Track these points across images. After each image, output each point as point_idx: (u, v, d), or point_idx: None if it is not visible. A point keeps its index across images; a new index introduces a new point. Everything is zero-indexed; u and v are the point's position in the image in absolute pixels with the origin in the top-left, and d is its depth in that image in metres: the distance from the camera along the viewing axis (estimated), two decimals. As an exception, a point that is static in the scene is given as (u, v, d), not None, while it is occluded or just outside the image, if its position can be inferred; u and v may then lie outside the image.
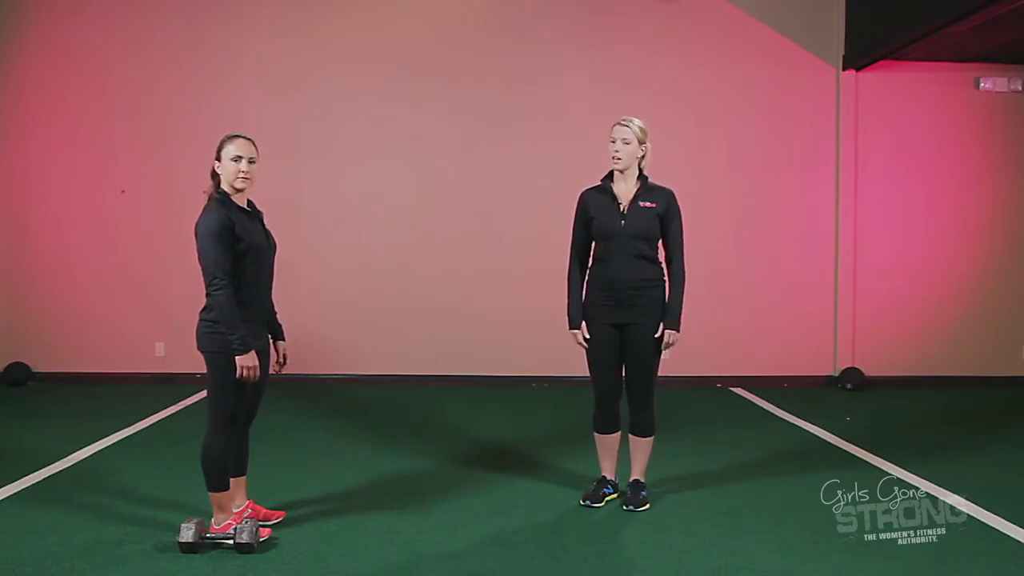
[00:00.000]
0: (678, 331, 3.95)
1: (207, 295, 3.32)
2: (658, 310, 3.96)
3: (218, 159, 3.45)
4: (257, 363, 3.35)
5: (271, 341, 3.64)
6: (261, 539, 3.44)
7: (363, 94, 7.22)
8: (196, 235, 3.36)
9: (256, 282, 3.46)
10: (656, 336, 3.92)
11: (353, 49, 7.17)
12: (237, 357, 3.31)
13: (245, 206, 3.48)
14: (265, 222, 3.59)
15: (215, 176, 3.49)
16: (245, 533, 3.36)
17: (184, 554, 3.33)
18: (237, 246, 3.34)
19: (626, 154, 3.93)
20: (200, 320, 3.39)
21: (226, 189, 3.45)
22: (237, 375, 3.33)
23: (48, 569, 3.20)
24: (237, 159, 3.42)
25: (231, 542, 3.39)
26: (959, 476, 4.50)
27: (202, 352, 3.39)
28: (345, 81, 7.20)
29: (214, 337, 3.34)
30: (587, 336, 4.02)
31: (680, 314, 3.96)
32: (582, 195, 4.08)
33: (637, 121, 3.94)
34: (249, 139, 3.49)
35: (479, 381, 7.17)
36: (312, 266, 7.11)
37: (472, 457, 4.95)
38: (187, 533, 3.35)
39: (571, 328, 4.06)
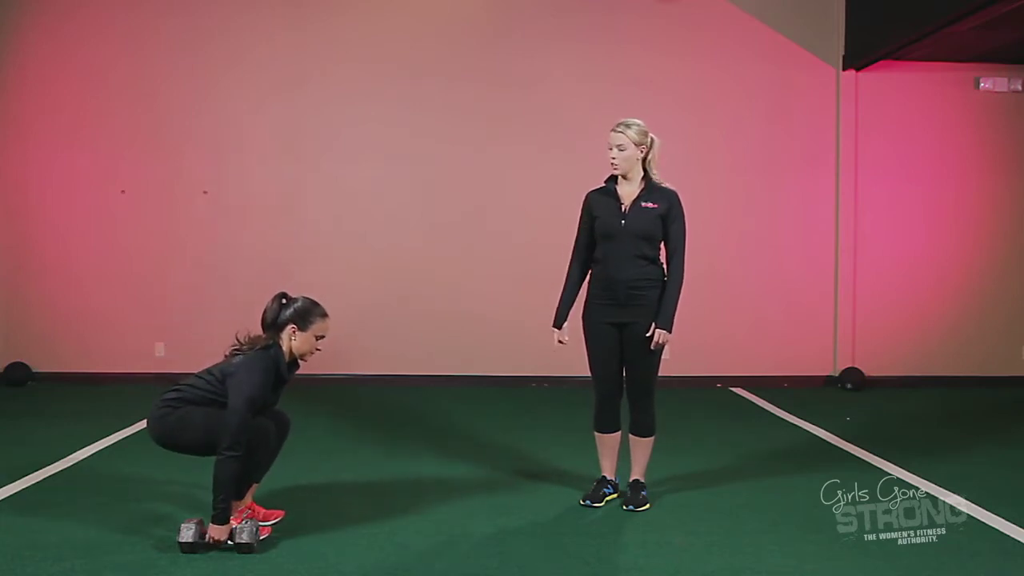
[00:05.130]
0: (669, 331, 3.93)
1: (218, 452, 3.32)
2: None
3: (300, 327, 3.52)
4: (226, 537, 3.33)
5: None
6: (261, 539, 3.44)
7: (363, 94, 7.21)
8: (238, 374, 3.40)
9: None
10: (647, 335, 3.92)
11: (354, 49, 7.17)
12: (211, 524, 3.32)
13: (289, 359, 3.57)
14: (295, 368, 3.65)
15: (274, 328, 3.51)
16: (245, 533, 3.36)
17: (184, 554, 3.32)
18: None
19: (622, 160, 3.93)
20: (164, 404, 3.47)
21: (285, 348, 3.52)
22: (207, 539, 3.32)
23: (48, 569, 3.20)
24: (320, 338, 3.56)
25: (231, 542, 3.39)
26: (959, 476, 4.50)
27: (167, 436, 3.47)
28: (345, 81, 7.19)
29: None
30: (563, 340, 4.04)
31: (673, 314, 3.93)
32: (587, 196, 4.08)
33: (633, 125, 3.91)
34: None
35: (479, 381, 7.16)
36: (312, 266, 7.09)
37: (472, 457, 4.94)
38: (187, 533, 3.34)
39: (553, 325, 4.08)
